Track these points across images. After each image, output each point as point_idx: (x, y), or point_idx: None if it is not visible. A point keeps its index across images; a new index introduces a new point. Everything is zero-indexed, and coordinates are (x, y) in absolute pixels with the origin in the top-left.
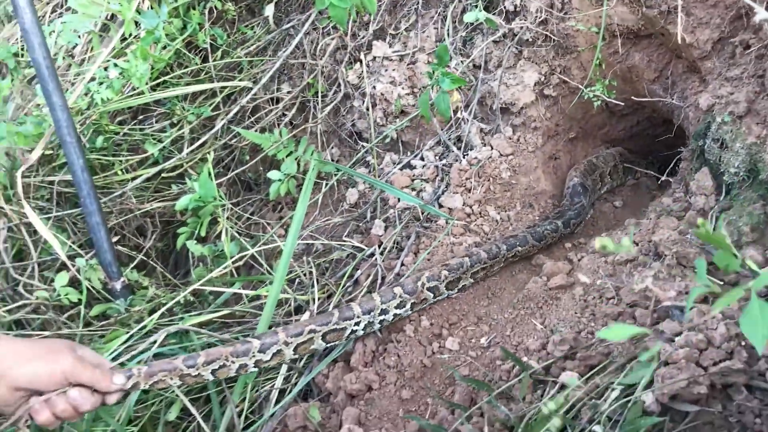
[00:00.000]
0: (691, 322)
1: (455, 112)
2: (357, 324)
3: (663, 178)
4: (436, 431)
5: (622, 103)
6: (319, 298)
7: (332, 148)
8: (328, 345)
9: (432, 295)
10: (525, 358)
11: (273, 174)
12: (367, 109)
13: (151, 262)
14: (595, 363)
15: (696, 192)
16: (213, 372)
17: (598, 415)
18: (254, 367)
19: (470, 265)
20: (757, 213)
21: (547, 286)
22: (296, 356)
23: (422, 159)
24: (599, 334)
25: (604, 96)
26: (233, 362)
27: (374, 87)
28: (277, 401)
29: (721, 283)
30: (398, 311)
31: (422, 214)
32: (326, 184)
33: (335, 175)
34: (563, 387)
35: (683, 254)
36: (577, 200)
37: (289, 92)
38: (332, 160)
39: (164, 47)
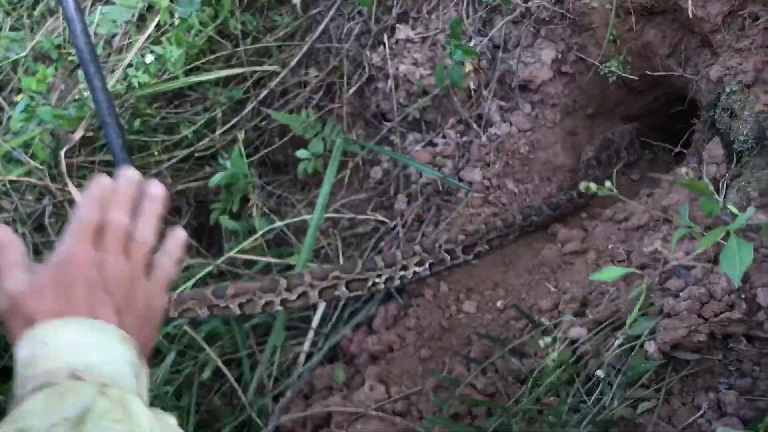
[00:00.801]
0: (695, 277)
1: (475, 90)
2: (379, 276)
3: (677, 150)
4: (452, 383)
5: (637, 78)
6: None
7: (357, 128)
8: (351, 294)
9: (449, 257)
10: (537, 317)
11: (301, 153)
12: (391, 90)
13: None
14: (603, 319)
15: (708, 161)
16: (240, 306)
17: (602, 363)
18: (280, 305)
19: (486, 232)
20: (765, 178)
21: (561, 252)
22: (321, 300)
23: (444, 137)
24: (591, 277)
25: (620, 71)
26: (261, 298)
27: (397, 68)
28: (304, 364)
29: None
30: (417, 269)
31: (442, 187)
32: (352, 163)
33: (360, 153)
34: (573, 342)
35: (692, 217)
36: (591, 172)
37: (315, 76)
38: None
39: (197, 34)
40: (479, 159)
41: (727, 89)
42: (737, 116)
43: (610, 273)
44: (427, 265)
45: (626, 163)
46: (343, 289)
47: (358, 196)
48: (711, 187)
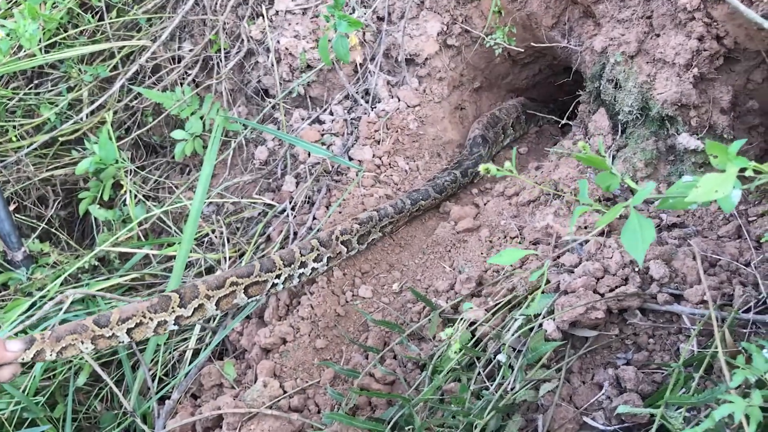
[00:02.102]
0: (588, 252)
1: (361, 64)
2: (278, 277)
3: (563, 122)
4: (350, 375)
5: (522, 50)
6: (230, 257)
7: (239, 106)
8: (251, 300)
9: (345, 249)
10: (434, 299)
11: (177, 133)
12: (272, 65)
13: (55, 231)
14: (500, 299)
15: (594, 133)
16: (129, 332)
17: (503, 345)
18: (175, 324)
19: (378, 219)
20: (650, 149)
21: (454, 231)
22: (219, 312)
23: (331, 113)
24: (489, 260)
25: (505, 43)
26: (152, 319)
27: (278, 41)
28: (191, 362)
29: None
30: (316, 265)
31: (332, 167)
32: (235, 143)
33: (243, 132)
34: (472, 324)
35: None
36: (476, 150)
37: (190, 50)
38: (239, 118)
39: (54, 6)
40: (369, 136)
41: (611, 60)
42: (622, 87)
43: (509, 256)
44: (325, 260)
45: (513, 139)
46: (242, 295)
47: (242, 178)
48: (609, 163)
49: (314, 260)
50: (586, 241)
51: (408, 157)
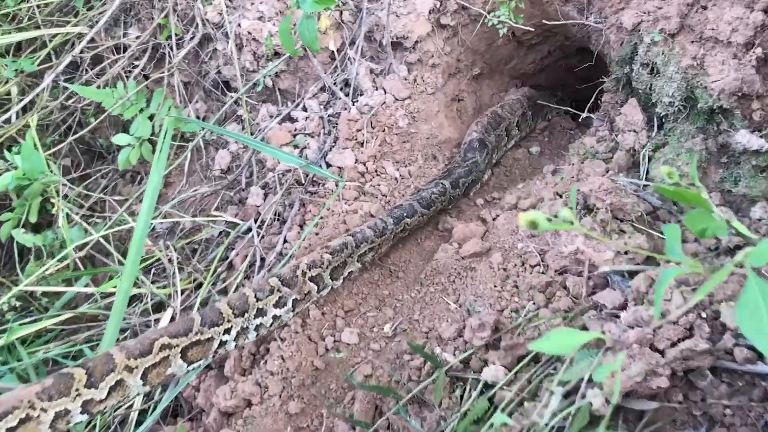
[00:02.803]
0: (637, 290)
1: (339, 50)
2: (227, 331)
3: (584, 115)
4: None
5: (532, 29)
6: (184, 290)
7: (196, 102)
8: (191, 367)
9: (316, 287)
10: (438, 349)
11: (120, 138)
12: (232, 53)
13: None
14: (524, 352)
15: (623, 128)
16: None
17: (536, 425)
18: (83, 413)
19: (355, 246)
20: (698, 149)
21: (459, 255)
22: (148, 388)
23: (304, 109)
24: (532, 347)
25: (511, 21)
26: (43, 410)
27: (239, 25)
28: (137, 425)
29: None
30: (278, 311)
31: (307, 176)
32: (192, 146)
33: (200, 134)
34: (487, 386)
35: (619, 206)
36: (471, 156)
37: (137, 37)
38: (197, 117)
39: None
40: (350, 137)
41: (646, 39)
42: (660, 73)
43: (562, 342)
44: (290, 304)
45: (519, 140)
46: (179, 361)
47: (200, 190)
48: (707, 198)
49: (276, 305)
50: (631, 274)
51: (398, 162)
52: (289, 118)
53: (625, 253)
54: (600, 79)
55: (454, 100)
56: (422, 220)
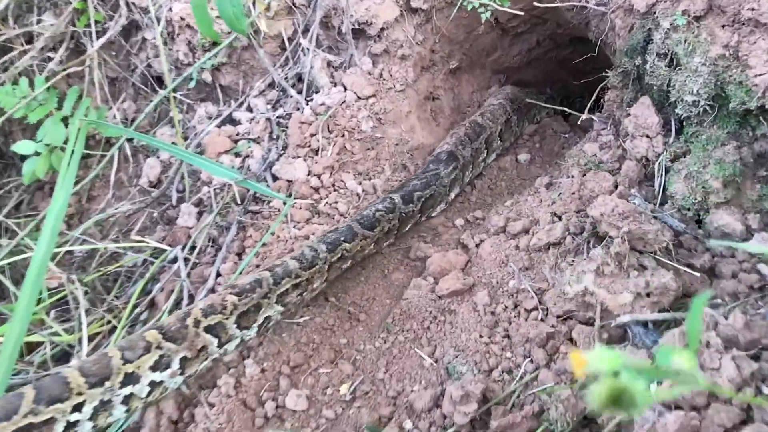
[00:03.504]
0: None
1: (290, 38)
2: (78, 409)
3: (583, 117)
4: None
5: (520, 13)
6: (94, 335)
7: (122, 101)
8: None
9: (215, 340)
10: (408, 424)
11: (22, 146)
12: (166, 43)
13: None
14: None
15: (633, 133)
16: None
17: None
18: None
19: (273, 283)
20: (730, 159)
21: (435, 294)
22: None
23: (249, 110)
24: None
25: (496, 4)
26: None
27: (170, 9)
28: None
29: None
30: (159, 376)
31: (248, 192)
32: (117, 154)
33: (121, 140)
34: None
35: (638, 234)
36: (432, 168)
37: (52, 24)
38: (124, 119)
39: None
40: (302, 143)
41: (664, 24)
42: (681, 65)
43: None
44: (176, 365)
45: (501, 152)
46: None
47: (121, 208)
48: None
49: (154, 368)
50: (657, 323)
51: (360, 174)
52: (231, 120)
53: (648, 295)
54: (600, 73)
55: (427, 98)
56: (366, 244)
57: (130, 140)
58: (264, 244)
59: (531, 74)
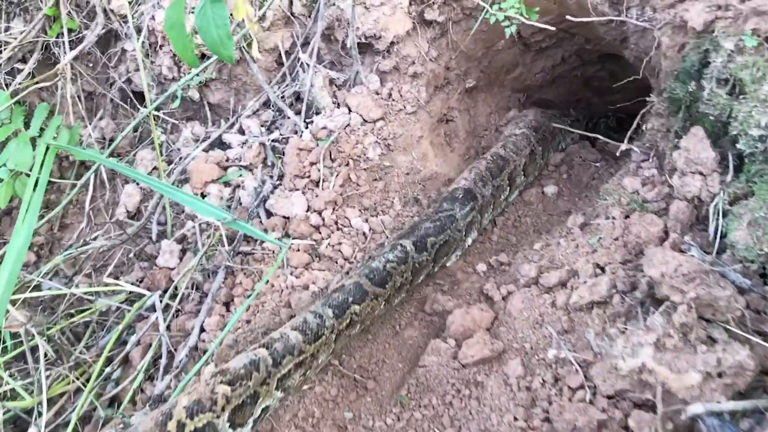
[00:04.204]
0: None
1: (288, 52)
2: None
3: (623, 147)
4: None
5: (550, 28)
6: (54, 399)
7: (100, 118)
8: None
9: None
10: None
11: None
12: (148, 55)
13: None
14: None
15: (684, 168)
16: None
17: None
18: None
19: (273, 365)
20: None
21: (458, 361)
22: None
23: (241, 132)
24: None
25: (522, 17)
26: None
27: (152, 17)
28: None
29: None
30: None
31: (239, 231)
32: (93, 180)
33: (94, 166)
34: None
35: (706, 300)
36: (447, 208)
37: (21, 32)
38: (102, 138)
39: None
40: (301, 173)
41: (726, 45)
42: (748, 94)
43: None
44: None
45: (525, 186)
46: None
47: (94, 244)
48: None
49: None
50: (738, 416)
51: (366, 209)
52: (220, 144)
53: (719, 375)
54: (629, 93)
55: (441, 121)
56: (377, 305)
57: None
58: (258, 295)
59: (553, 93)
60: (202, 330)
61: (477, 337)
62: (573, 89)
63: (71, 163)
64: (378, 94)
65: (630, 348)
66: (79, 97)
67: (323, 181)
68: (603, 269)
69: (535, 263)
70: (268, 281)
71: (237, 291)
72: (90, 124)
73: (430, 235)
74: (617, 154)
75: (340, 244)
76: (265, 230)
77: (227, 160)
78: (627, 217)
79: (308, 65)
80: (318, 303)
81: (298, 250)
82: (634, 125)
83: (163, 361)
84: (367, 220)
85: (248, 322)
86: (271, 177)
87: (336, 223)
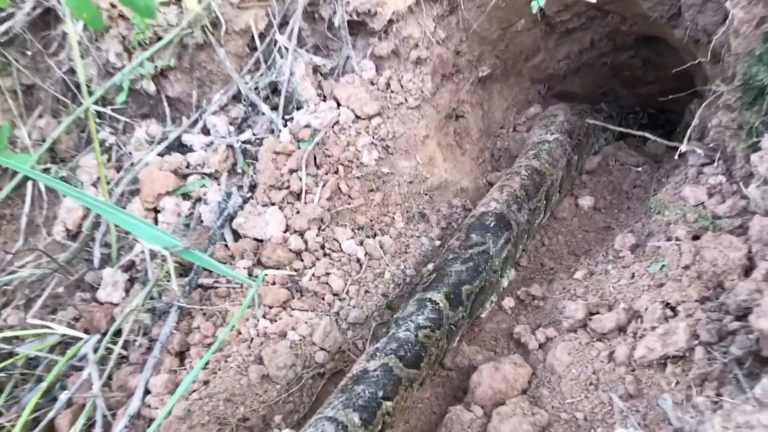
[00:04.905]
0: None
1: (262, 34)
2: None
3: (683, 148)
4: None
5: (583, 6)
6: None
7: (39, 116)
8: None
9: None
10: None
11: None
12: (96, 39)
13: None
14: None
15: (766, 175)
16: None
17: None
18: None
19: None
20: None
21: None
22: None
23: (205, 131)
24: None
25: None
26: None
27: None
28: None
29: None
30: None
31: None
32: (30, 193)
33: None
34: None
35: None
36: (477, 241)
37: None
38: (41, 139)
39: None
40: (278, 183)
41: None
42: None
43: None
44: None
45: (559, 201)
46: None
47: (19, 273)
48: None
49: None
50: None
51: (361, 227)
52: (180, 146)
53: None
54: (664, 83)
55: (450, 117)
56: (411, 393)
57: (47, 169)
58: (220, 346)
59: (578, 84)
60: (147, 392)
61: (512, 405)
62: (599, 80)
63: (4, 169)
64: (373, 84)
65: (732, 429)
66: (14, 91)
67: (306, 193)
68: (675, 310)
69: (580, 299)
70: (234, 326)
71: (194, 338)
72: (26, 122)
73: (464, 282)
74: (676, 156)
75: (327, 274)
76: (232, 257)
77: (187, 167)
78: (696, 238)
79: (287, 49)
80: (337, 401)
81: (274, 284)
82: (695, 121)
83: (97, 430)
84: (361, 243)
85: (206, 383)
86: (240, 188)
87: (322, 247)
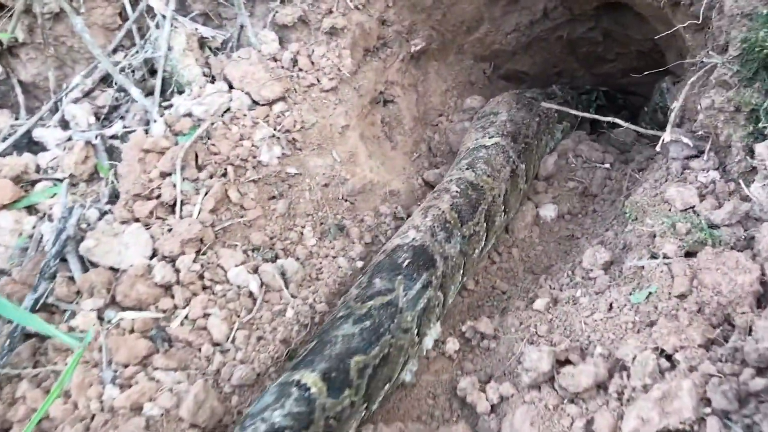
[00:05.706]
0: None
1: (134, 2)
2: None
3: (666, 138)
4: None
5: None
6: None
7: None
8: None
9: None
10: None
11: None
12: None
13: None
14: None
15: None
16: None
17: None
18: None
19: None
20: None
21: None
22: None
23: (63, 124)
24: None
25: None
26: None
27: None
28: None
29: None
30: None
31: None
32: None
33: None
34: None
35: None
36: (382, 288)
37: None
38: None
39: None
40: (144, 191)
41: None
42: None
43: None
44: None
45: (503, 224)
46: None
47: None
48: None
49: None
50: None
51: (256, 249)
52: (30, 143)
53: None
54: (625, 59)
55: (376, 102)
56: None
57: None
58: (45, 418)
59: (529, 63)
60: None
61: None
62: (554, 57)
63: None
64: (276, 60)
65: None
66: None
67: (182, 203)
68: (672, 360)
69: (543, 341)
70: (65, 393)
71: (18, 412)
72: None
73: (354, 351)
74: (657, 148)
75: (206, 316)
76: (78, 293)
77: (37, 170)
78: (689, 255)
79: (164, 17)
80: None
81: (132, 332)
82: (680, 102)
83: None
84: (256, 270)
85: None
86: (99, 197)
87: (201, 277)
